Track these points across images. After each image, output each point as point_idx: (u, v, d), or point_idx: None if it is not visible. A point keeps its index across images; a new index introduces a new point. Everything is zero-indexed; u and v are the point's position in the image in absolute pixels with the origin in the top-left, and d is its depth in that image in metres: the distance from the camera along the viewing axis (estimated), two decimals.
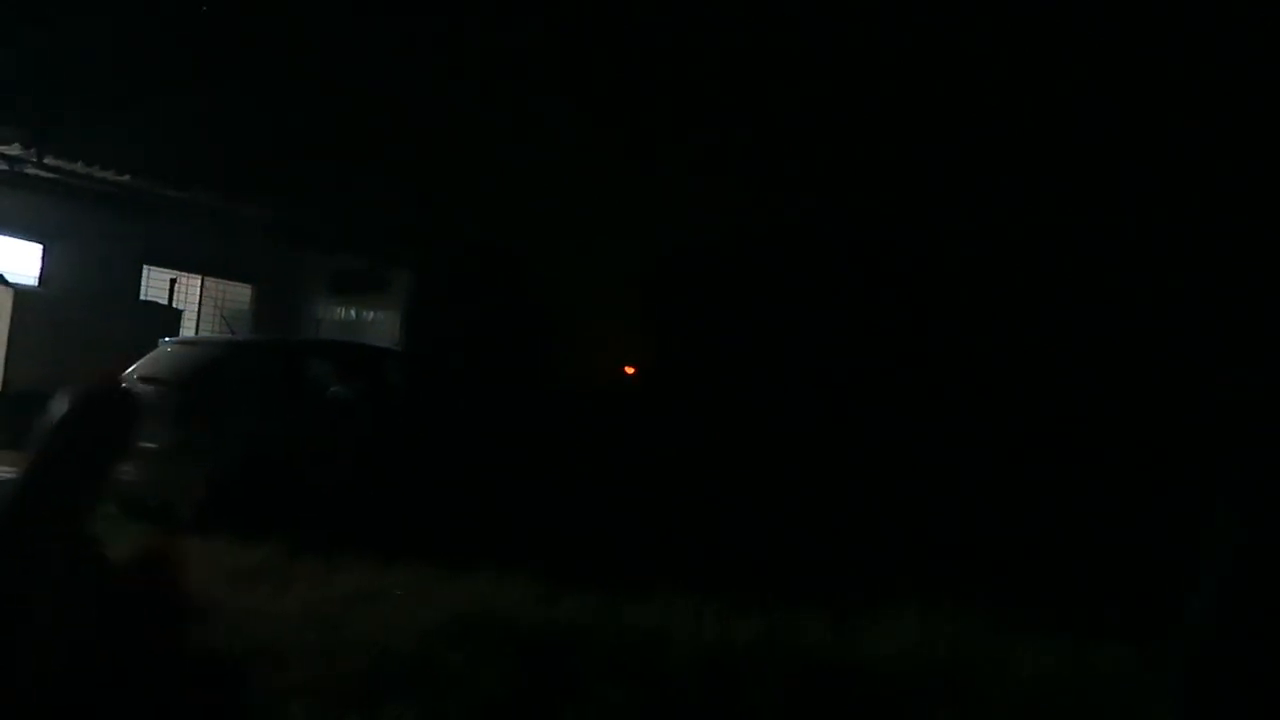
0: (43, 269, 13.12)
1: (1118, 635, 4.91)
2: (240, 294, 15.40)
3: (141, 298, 13.78)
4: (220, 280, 15.07)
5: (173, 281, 14.06)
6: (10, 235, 12.87)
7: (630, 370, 16.26)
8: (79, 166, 12.08)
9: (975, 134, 12.39)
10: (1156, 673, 3.93)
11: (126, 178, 12.45)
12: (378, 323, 15.53)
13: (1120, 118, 11.50)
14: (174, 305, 13.64)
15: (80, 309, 11.72)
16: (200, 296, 14.88)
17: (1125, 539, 7.14)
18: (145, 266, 14.05)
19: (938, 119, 12.58)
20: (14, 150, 11.46)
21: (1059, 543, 7.54)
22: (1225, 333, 10.14)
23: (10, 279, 12.11)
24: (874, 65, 12.38)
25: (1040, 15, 11.24)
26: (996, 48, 11.63)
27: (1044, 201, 12.04)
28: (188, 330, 13.79)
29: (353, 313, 15.94)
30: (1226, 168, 10.60)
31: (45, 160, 11.69)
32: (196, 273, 14.69)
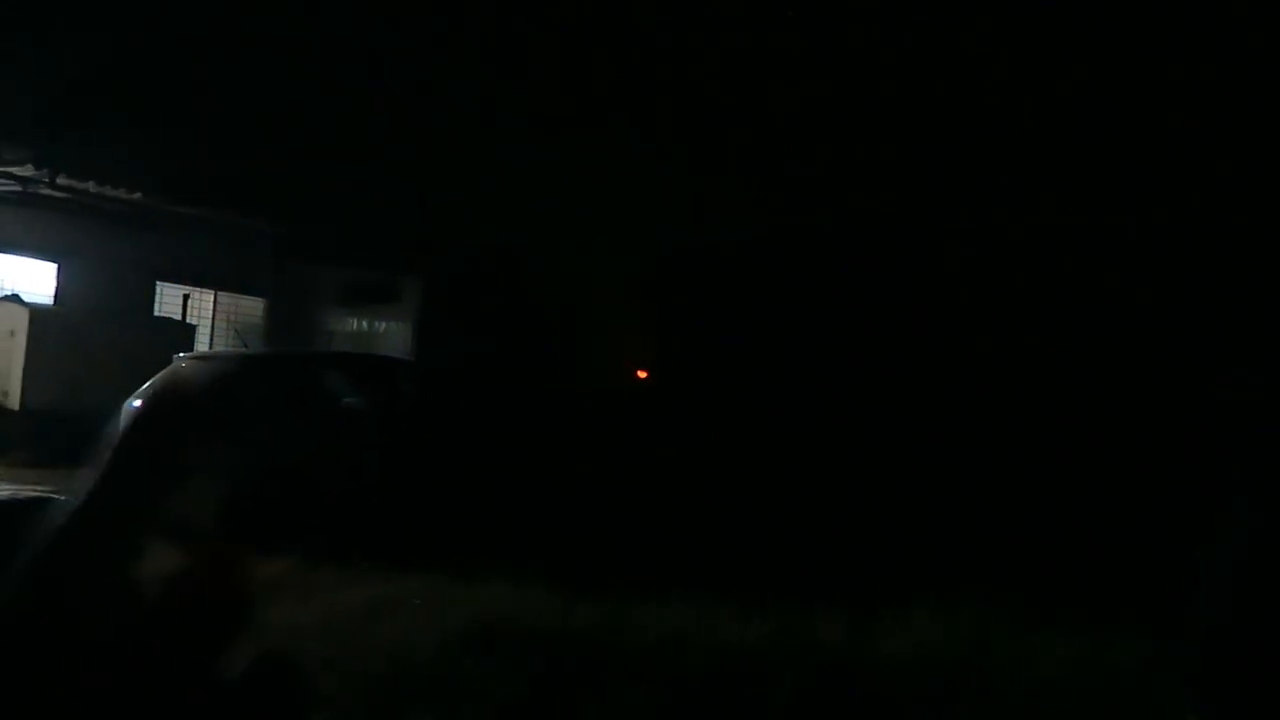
0: (57, 287, 13.24)
1: (1132, 633, 4.90)
2: (253, 308, 15.50)
3: (155, 314, 13.88)
4: (232, 295, 15.16)
5: (186, 297, 14.17)
6: (25, 255, 13.00)
7: (642, 374, 16.28)
8: (91, 186, 12.19)
9: (976, 134, 12.39)
10: (1170, 669, 3.93)
11: (138, 196, 12.56)
12: (389, 333, 15.60)
13: (1121, 117, 11.48)
14: (187, 321, 13.73)
15: (95, 326, 11.82)
16: (213, 311, 14.98)
17: (1137, 537, 7.13)
18: (158, 283, 14.16)
19: (941, 120, 12.58)
20: (27, 171, 11.58)
21: (1072, 541, 7.53)
22: (1231, 332, 10.11)
23: (26, 298, 12.23)
24: (876, 66, 12.40)
25: (1040, 15, 11.24)
26: (996, 47, 11.63)
27: (1048, 201, 12.03)
28: (201, 345, 13.88)
29: (364, 324, 16.01)
30: (1228, 167, 10.58)
31: (58, 180, 11.80)
32: (209, 288, 14.79)
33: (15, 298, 12.08)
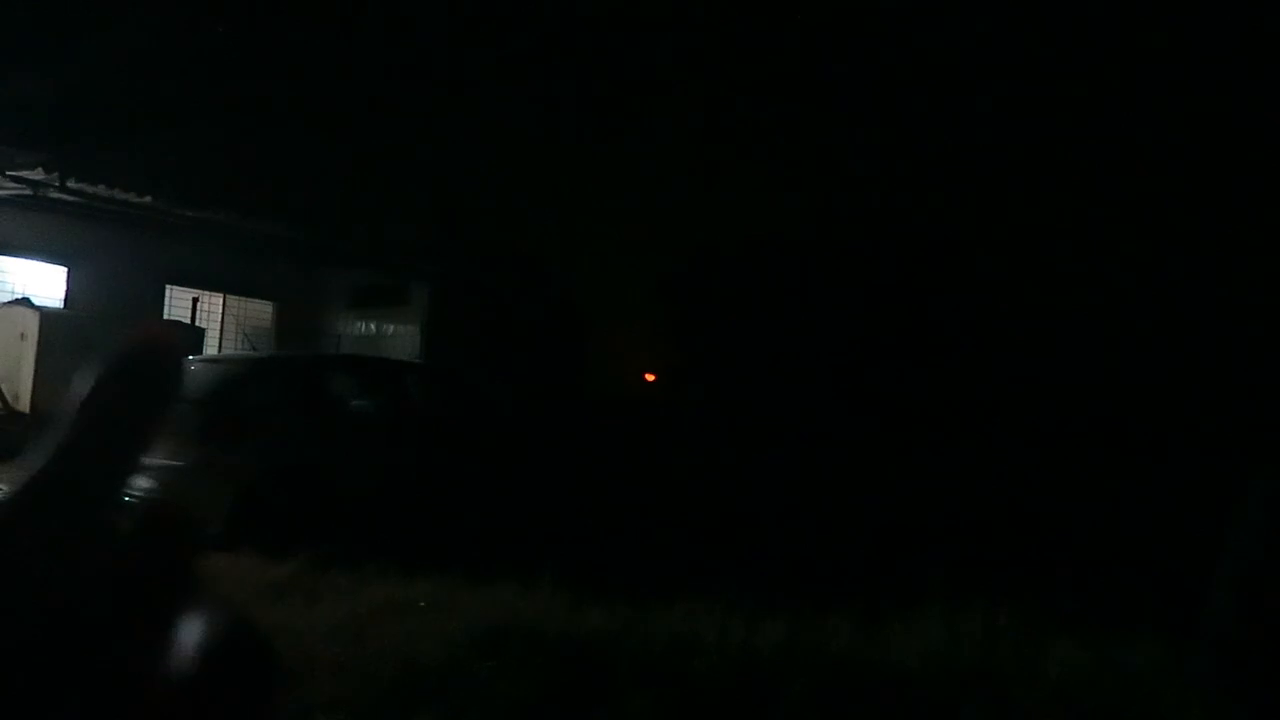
0: (67, 291, 13.29)
1: (1142, 636, 4.88)
2: (262, 311, 15.53)
3: (165, 317, 13.91)
4: (242, 298, 15.20)
5: (195, 300, 14.21)
6: (35, 258, 13.05)
7: (651, 377, 16.28)
8: (101, 189, 12.23)
9: (988, 141, 12.38)
10: (1185, 669, 3.91)
11: (148, 199, 12.60)
12: (398, 336, 15.62)
13: (1129, 125, 11.47)
14: (197, 324, 13.77)
15: (105, 329, 11.84)
16: (222, 314, 15.02)
17: (1147, 540, 7.09)
18: (168, 286, 14.20)
19: (950, 129, 12.58)
20: (37, 175, 11.62)
21: (1082, 545, 7.50)
22: (1240, 336, 10.08)
23: (36, 301, 12.27)
24: (890, 80, 12.40)
25: (1046, 20, 11.23)
26: (1009, 59, 11.63)
27: (1057, 207, 12.02)
28: (210, 348, 13.92)
29: (373, 327, 16.04)
30: (1233, 169, 10.55)
31: (68, 184, 11.84)
32: (218, 291, 14.83)
33: (26, 301, 12.12)
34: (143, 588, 0.37)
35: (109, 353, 0.41)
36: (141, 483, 0.43)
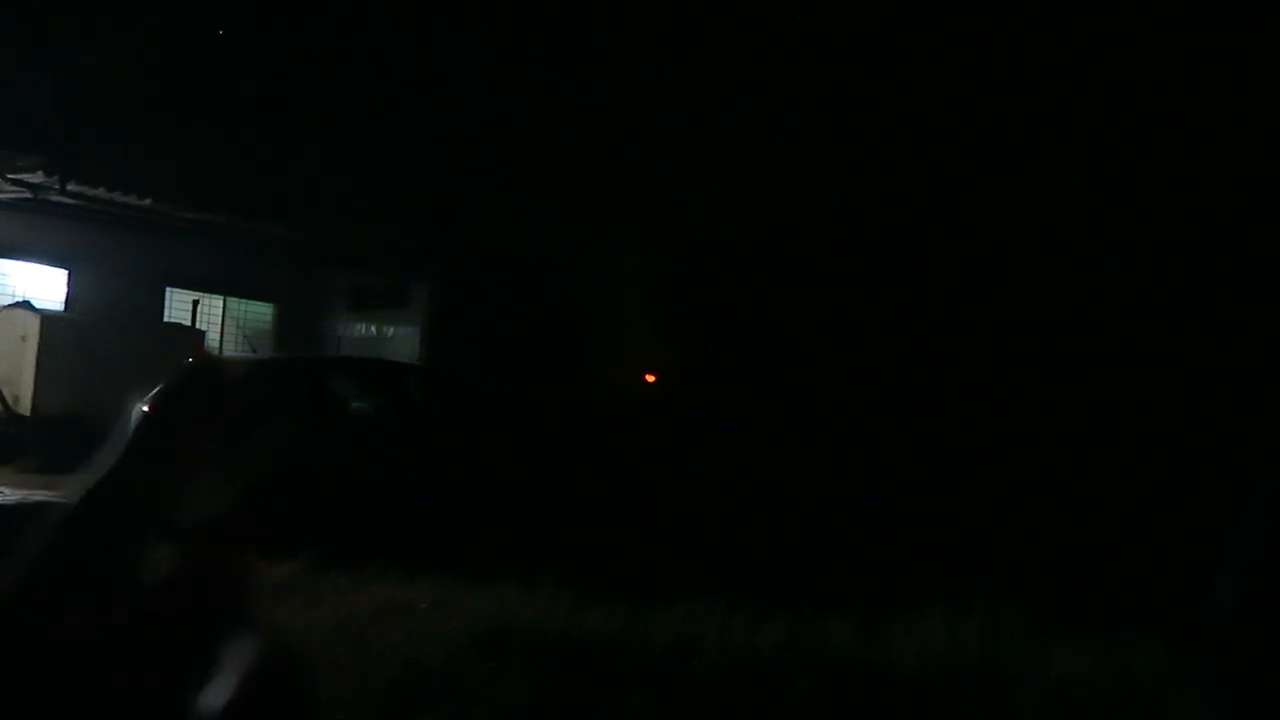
0: (68, 294, 13.30)
1: (1144, 635, 4.88)
2: (262, 313, 15.54)
3: (165, 319, 13.93)
4: (242, 300, 15.21)
5: (195, 302, 14.22)
6: (35, 261, 13.06)
7: (651, 378, 16.28)
8: (101, 192, 12.25)
9: (979, 136, 12.39)
10: (1187, 671, 3.91)
11: (148, 202, 12.63)
12: (398, 338, 15.63)
13: (1131, 121, 11.48)
14: (197, 326, 13.78)
15: (105, 332, 11.87)
16: (223, 316, 15.03)
17: (1148, 538, 7.10)
18: (168, 288, 14.22)
19: (948, 126, 12.59)
20: (37, 178, 11.64)
21: (1084, 544, 7.50)
22: (1240, 334, 10.08)
23: (37, 304, 12.28)
24: (890, 78, 12.41)
25: (1048, 18, 11.25)
26: (1009, 59, 11.64)
27: (1057, 207, 12.03)
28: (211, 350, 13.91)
29: (373, 329, 16.05)
30: (1235, 168, 10.56)
31: (68, 187, 11.86)
32: (218, 293, 14.84)
33: (26, 304, 12.13)
34: (187, 609, 0.38)
35: (165, 383, 0.42)
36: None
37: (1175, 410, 10.07)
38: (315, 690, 0.39)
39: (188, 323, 13.74)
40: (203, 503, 0.43)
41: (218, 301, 14.90)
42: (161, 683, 0.38)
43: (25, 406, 11.32)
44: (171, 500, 0.41)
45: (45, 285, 13.15)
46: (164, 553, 0.40)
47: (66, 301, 13.21)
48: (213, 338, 14.49)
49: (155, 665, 0.38)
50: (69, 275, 13.28)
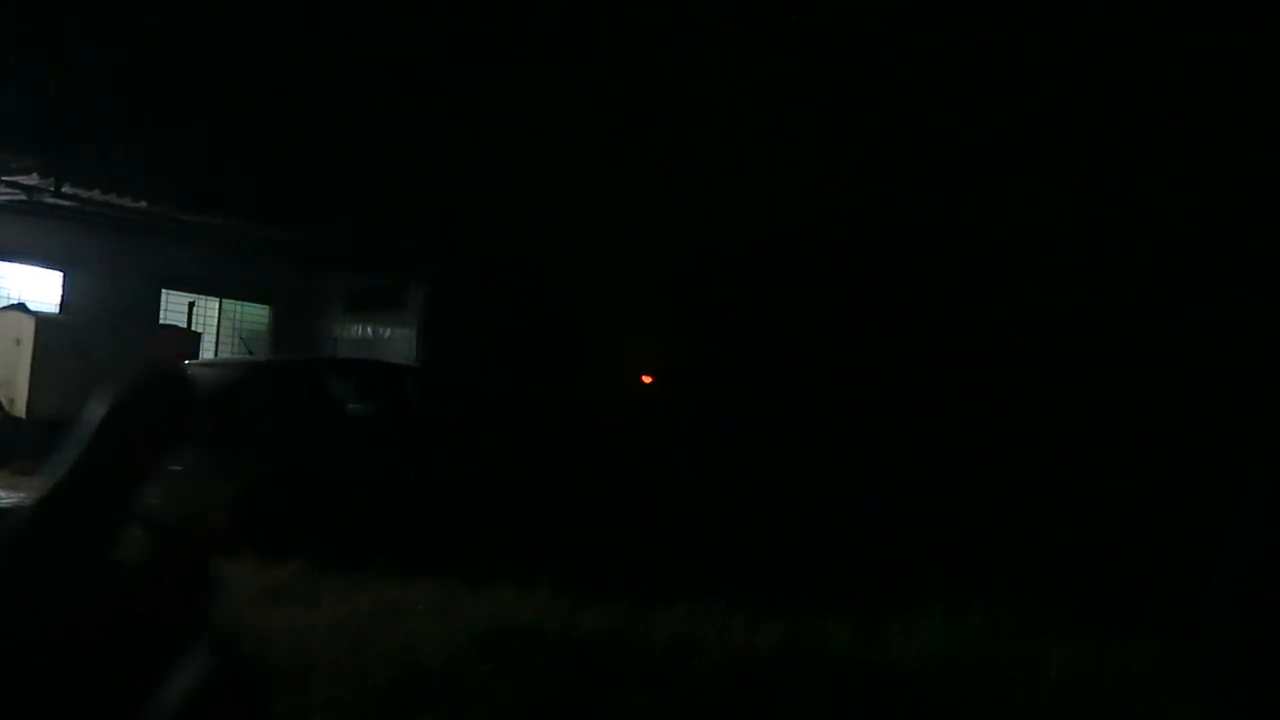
0: (63, 296, 13.27)
1: (1142, 635, 4.87)
2: (258, 315, 15.52)
3: (161, 321, 13.90)
4: (237, 302, 15.19)
5: (191, 304, 14.19)
6: (30, 263, 13.04)
7: (648, 379, 16.28)
8: (96, 194, 12.22)
9: (985, 140, 12.40)
10: (1188, 671, 3.90)
11: (143, 204, 12.60)
12: (395, 340, 15.61)
13: (1130, 120, 11.49)
14: (193, 328, 13.76)
15: (101, 334, 11.84)
16: (218, 318, 15.01)
17: (1147, 538, 7.10)
18: (163, 290, 14.19)
19: (947, 126, 12.59)
20: (32, 180, 11.61)
21: (1081, 544, 7.50)
22: (1240, 334, 10.09)
23: (32, 307, 12.26)
24: (886, 77, 12.42)
25: (1045, 18, 11.25)
26: (1006, 53, 11.65)
27: (1057, 207, 12.04)
28: (207, 353, 13.90)
29: (369, 330, 16.02)
30: (1236, 167, 10.57)
31: (63, 189, 11.83)
32: (214, 295, 14.82)
33: (21, 306, 12.11)
34: (146, 608, 0.37)
35: (122, 383, 0.42)
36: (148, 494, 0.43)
37: (1175, 411, 10.07)
38: (267, 702, 0.38)
39: (184, 325, 13.72)
40: (167, 508, 0.42)
41: (214, 303, 14.87)
42: (112, 683, 0.37)
43: (20, 409, 11.29)
44: (126, 505, 0.40)
45: (40, 287, 13.12)
46: (123, 555, 0.39)
47: (62, 304, 13.18)
48: (209, 340, 14.46)
49: (108, 665, 0.37)
50: (64, 277, 13.25)
